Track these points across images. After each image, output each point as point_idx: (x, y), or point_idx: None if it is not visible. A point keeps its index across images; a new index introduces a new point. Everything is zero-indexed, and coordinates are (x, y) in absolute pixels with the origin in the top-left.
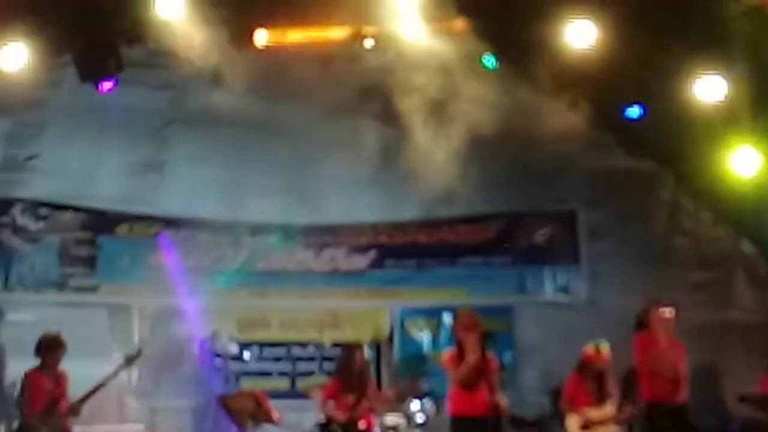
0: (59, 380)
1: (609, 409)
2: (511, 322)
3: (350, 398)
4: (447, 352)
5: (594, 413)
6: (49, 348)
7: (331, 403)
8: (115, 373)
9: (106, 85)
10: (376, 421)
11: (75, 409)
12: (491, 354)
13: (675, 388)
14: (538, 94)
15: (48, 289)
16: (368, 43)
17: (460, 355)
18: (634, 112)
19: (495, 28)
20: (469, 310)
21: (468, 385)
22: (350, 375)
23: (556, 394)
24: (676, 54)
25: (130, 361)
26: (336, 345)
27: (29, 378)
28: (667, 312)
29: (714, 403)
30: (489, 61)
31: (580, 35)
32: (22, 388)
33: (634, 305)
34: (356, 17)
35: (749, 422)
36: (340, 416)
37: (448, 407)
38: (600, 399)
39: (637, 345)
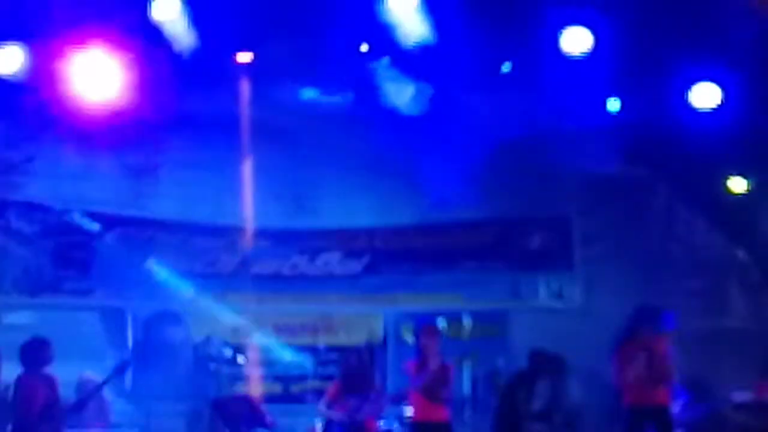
0: (51, 384)
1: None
2: (505, 327)
3: (352, 401)
4: (410, 361)
5: None
6: (39, 352)
7: (334, 406)
8: (106, 382)
9: None
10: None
11: (80, 407)
12: (448, 362)
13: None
14: (533, 100)
15: (42, 292)
16: (364, 47)
17: (422, 362)
18: (614, 105)
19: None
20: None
21: (429, 391)
22: (352, 377)
23: None
24: (672, 61)
25: (120, 370)
26: (331, 349)
27: (23, 382)
28: None
29: (708, 410)
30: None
31: (576, 41)
32: (16, 393)
33: (628, 311)
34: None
35: (744, 429)
36: (343, 422)
37: (411, 413)
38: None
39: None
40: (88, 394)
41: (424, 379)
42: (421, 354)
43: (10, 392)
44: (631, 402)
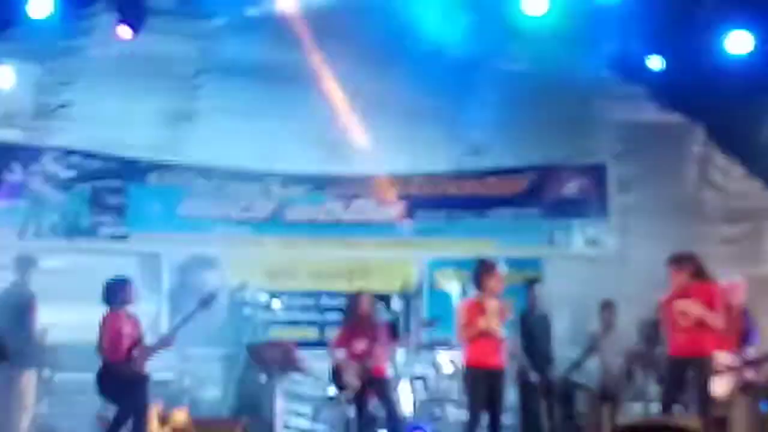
0: (135, 323)
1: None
2: (540, 274)
3: (361, 345)
4: (466, 301)
5: (724, 359)
6: (122, 291)
7: (342, 351)
8: (192, 315)
9: (125, 32)
10: (389, 368)
11: (168, 341)
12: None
13: None
14: (569, 48)
15: (78, 236)
16: None
17: (479, 303)
18: (655, 62)
19: None
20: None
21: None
22: (358, 322)
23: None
24: (706, 7)
25: (205, 303)
26: None
27: (109, 322)
28: None
29: None
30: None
31: None
32: (102, 333)
33: (663, 258)
34: None
35: None
36: (352, 367)
37: (464, 357)
38: (741, 342)
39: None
40: (172, 331)
41: (480, 325)
42: (479, 294)
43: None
44: (672, 352)
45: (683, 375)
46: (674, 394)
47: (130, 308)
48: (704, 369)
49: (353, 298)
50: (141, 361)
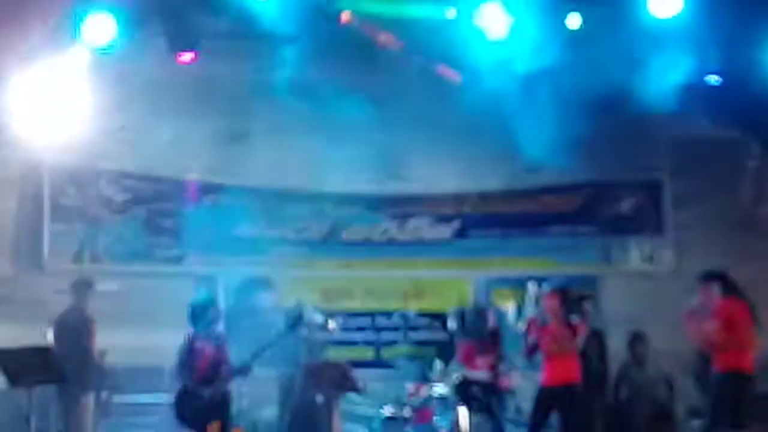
0: (220, 346)
1: None
2: (596, 291)
3: (488, 360)
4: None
5: None
6: (205, 313)
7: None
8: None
9: (187, 56)
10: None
11: (244, 371)
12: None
13: None
14: (621, 60)
15: (135, 259)
16: (450, 13)
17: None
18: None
19: None
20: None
21: (551, 353)
22: (484, 337)
23: None
24: (764, 21)
25: (293, 326)
26: (421, 315)
27: (191, 343)
28: None
29: None
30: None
31: (666, 4)
32: (183, 353)
33: None
34: None
35: None
36: (480, 382)
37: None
38: None
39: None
40: (253, 357)
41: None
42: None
43: (103, 357)
44: (715, 368)
45: (725, 390)
46: (721, 410)
47: (215, 330)
48: (739, 383)
49: (479, 313)
50: (222, 383)
